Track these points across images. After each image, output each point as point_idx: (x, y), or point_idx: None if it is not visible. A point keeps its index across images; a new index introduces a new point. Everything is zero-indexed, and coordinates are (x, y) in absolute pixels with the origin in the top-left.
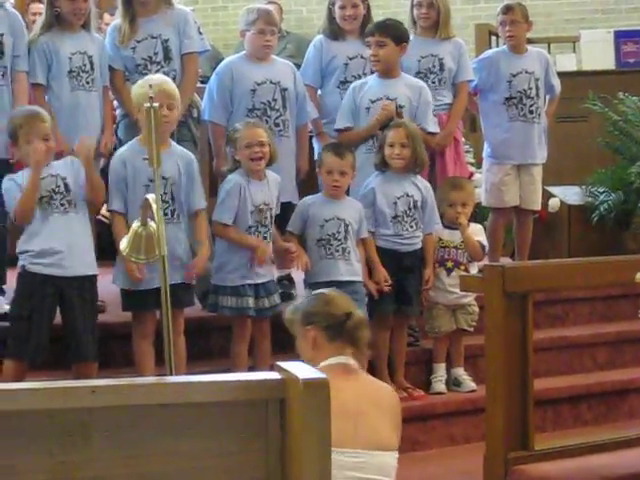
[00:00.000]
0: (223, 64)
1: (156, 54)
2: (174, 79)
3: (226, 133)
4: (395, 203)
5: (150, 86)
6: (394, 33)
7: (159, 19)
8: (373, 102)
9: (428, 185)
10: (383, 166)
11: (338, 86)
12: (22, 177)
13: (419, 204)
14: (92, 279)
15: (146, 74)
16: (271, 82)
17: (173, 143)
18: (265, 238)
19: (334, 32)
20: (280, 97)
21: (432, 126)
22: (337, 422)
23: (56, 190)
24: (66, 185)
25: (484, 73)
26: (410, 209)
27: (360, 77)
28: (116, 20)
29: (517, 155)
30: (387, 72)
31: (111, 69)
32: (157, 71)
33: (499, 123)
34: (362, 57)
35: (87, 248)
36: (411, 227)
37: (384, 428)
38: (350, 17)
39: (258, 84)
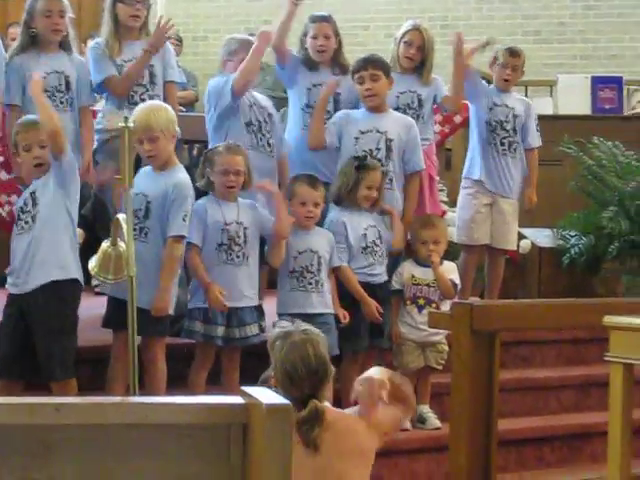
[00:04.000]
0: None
1: (142, 77)
2: None
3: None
4: (365, 234)
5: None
6: (385, 67)
7: (143, 44)
8: (363, 133)
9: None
10: (352, 203)
11: (302, 108)
12: None
13: (382, 234)
14: (54, 286)
15: (132, 95)
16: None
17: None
18: (238, 257)
19: (306, 61)
20: (269, 121)
21: (422, 163)
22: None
23: (24, 209)
24: (34, 200)
25: (472, 87)
26: (377, 239)
27: None
28: (97, 39)
29: (489, 184)
30: (377, 107)
31: (104, 80)
32: (142, 94)
33: (479, 145)
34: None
35: (50, 258)
36: (380, 257)
37: (350, 474)
38: (322, 47)
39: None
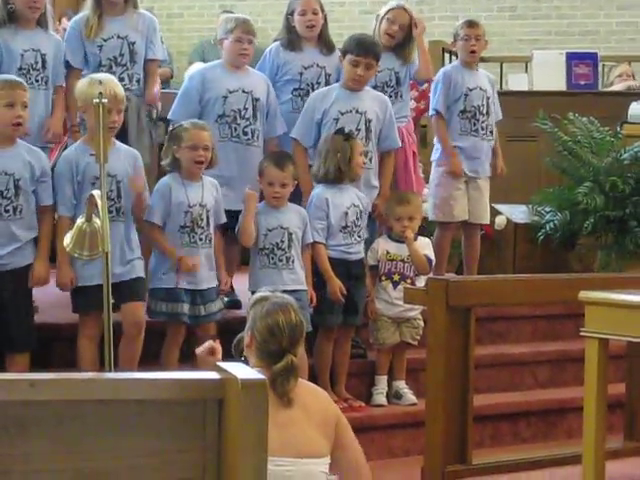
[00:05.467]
0: (197, 69)
1: (122, 55)
2: (138, 82)
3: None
4: (346, 213)
5: (100, 82)
6: (379, 55)
7: (126, 20)
8: (343, 114)
9: (363, 195)
10: (342, 179)
11: (292, 92)
12: None
13: (363, 214)
14: (20, 271)
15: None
16: (243, 91)
17: (117, 142)
18: (201, 239)
19: (292, 42)
20: (251, 107)
21: (398, 141)
22: None
23: (4, 194)
24: (17, 187)
25: (448, 89)
26: (357, 219)
27: (314, 85)
28: (80, 14)
29: (466, 167)
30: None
31: (68, 66)
32: (122, 73)
33: (451, 135)
34: (318, 66)
35: (22, 244)
36: (359, 237)
37: (314, 434)
38: (311, 22)
39: (230, 92)
